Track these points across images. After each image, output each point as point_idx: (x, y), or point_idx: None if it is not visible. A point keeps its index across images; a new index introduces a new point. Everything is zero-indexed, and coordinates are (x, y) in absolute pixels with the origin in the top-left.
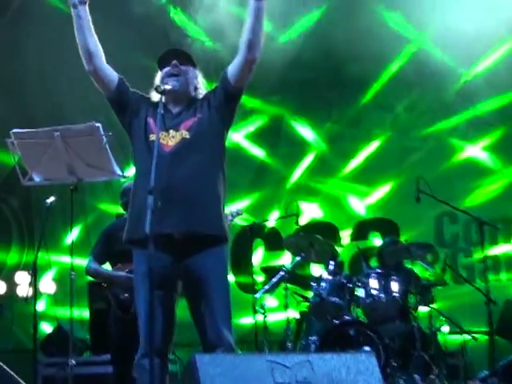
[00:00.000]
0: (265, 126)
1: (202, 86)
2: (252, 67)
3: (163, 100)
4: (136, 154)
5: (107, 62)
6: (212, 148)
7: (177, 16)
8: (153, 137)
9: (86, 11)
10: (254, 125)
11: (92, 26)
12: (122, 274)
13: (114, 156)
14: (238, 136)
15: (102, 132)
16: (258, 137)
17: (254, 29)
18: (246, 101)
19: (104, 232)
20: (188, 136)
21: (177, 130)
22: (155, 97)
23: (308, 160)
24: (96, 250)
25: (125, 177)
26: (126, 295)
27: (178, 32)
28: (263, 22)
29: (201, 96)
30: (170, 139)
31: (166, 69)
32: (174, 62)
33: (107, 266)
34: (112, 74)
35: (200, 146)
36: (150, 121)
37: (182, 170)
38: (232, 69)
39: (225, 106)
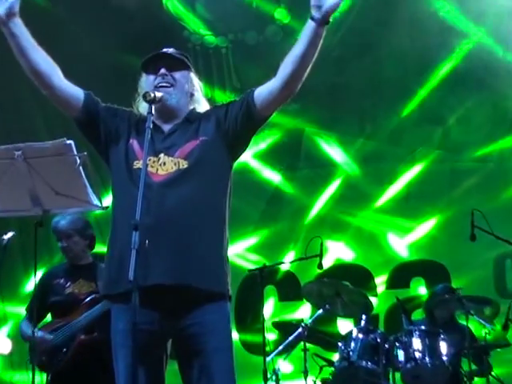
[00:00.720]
0: (280, 143)
1: (200, 90)
2: (288, 99)
3: (153, 111)
4: (116, 186)
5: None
6: (215, 180)
7: (170, 3)
8: (138, 164)
9: (19, 25)
10: (266, 141)
11: (33, 40)
12: (39, 333)
13: (89, 182)
14: (247, 155)
15: (75, 151)
16: (271, 156)
17: (304, 57)
18: None
19: (38, 283)
20: (186, 165)
21: (169, 154)
22: (142, 108)
23: (334, 186)
24: (30, 305)
25: (103, 208)
26: (43, 358)
27: (171, 23)
28: (317, 51)
29: (199, 106)
30: (161, 166)
31: (151, 77)
32: (162, 70)
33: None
34: (75, 92)
35: (200, 177)
36: (134, 143)
37: (174, 205)
38: (263, 94)
39: (240, 132)
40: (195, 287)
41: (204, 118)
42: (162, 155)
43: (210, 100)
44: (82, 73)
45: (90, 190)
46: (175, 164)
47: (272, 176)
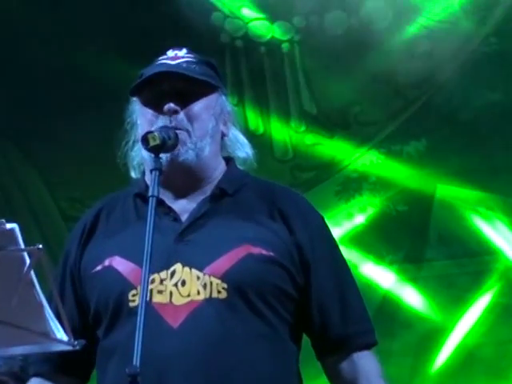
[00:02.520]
0: (391, 214)
1: (236, 122)
2: None
3: (158, 170)
4: (104, 342)
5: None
6: (276, 323)
7: None
8: (136, 296)
9: None
10: (365, 211)
11: None
12: None
13: (49, 298)
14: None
15: (21, 242)
16: (375, 238)
17: None
18: (346, 154)
19: None
20: (224, 294)
21: (192, 265)
22: (144, 160)
23: (492, 292)
24: None
25: (74, 345)
26: None
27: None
28: None
29: (235, 152)
30: (178, 288)
31: (149, 113)
32: (170, 105)
33: None
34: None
35: (250, 317)
36: (117, 261)
37: (208, 366)
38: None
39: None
40: None
41: (260, 202)
42: (177, 266)
43: (263, 136)
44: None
45: (49, 314)
46: (204, 286)
47: (378, 274)
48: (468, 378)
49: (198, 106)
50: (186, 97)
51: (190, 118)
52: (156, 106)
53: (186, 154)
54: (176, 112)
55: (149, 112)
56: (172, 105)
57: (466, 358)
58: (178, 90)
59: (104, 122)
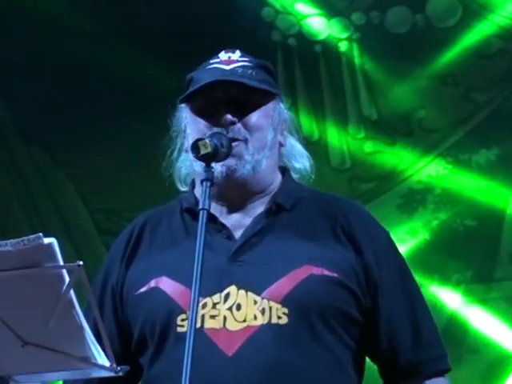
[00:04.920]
0: (458, 230)
1: (293, 131)
2: None
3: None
4: (150, 371)
5: None
6: (339, 352)
7: None
8: (183, 321)
9: None
10: (430, 228)
11: None
12: None
13: (90, 318)
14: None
15: (60, 259)
16: (441, 258)
17: None
18: (409, 163)
19: None
20: (285, 319)
21: (248, 288)
22: (193, 171)
23: None
24: None
25: (117, 371)
26: None
27: None
28: None
29: (292, 163)
30: (232, 313)
31: (202, 123)
32: (227, 116)
33: None
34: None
35: (315, 344)
36: (163, 282)
37: None
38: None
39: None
40: None
41: (320, 218)
42: (232, 289)
43: (318, 143)
44: None
45: (90, 336)
46: (262, 311)
47: (444, 295)
48: None
49: (256, 116)
50: (243, 106)
51: (249, 129)
52: (209, 115)
53: (243, 168)
54: (233, 123)
55: (201, 122)
56: (229, 116)
57: None
58: (233, 99)
59: (144, 130)
